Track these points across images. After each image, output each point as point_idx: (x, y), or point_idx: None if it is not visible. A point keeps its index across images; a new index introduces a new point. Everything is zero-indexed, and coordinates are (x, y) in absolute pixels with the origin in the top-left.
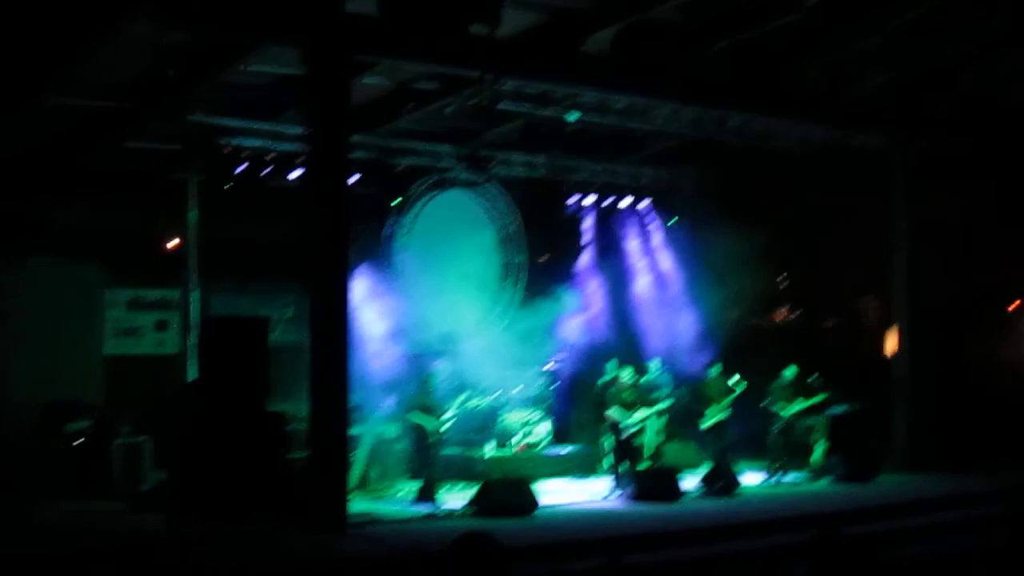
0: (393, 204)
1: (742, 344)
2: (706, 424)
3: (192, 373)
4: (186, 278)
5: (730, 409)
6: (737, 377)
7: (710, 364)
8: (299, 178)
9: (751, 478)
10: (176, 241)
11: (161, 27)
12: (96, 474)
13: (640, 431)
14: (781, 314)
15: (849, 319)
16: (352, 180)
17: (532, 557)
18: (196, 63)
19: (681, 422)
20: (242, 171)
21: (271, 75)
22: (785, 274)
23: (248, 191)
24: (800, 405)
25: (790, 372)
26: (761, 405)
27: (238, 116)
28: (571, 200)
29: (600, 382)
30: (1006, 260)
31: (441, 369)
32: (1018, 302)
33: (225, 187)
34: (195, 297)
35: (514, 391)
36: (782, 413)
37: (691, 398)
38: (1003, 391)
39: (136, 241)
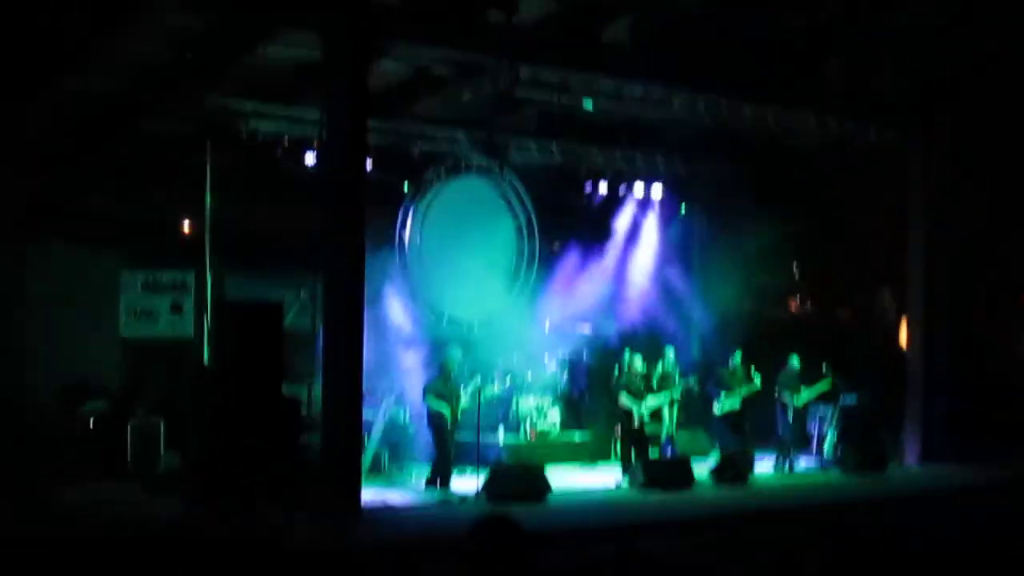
0: (407, 189)
1: (757, 335)
2: (721, 411)
3: (207, 356)
4: (202, 261)
5: (745, 398)
6: (752, 368)
7: (730, 352)
8: (315, 162)
9: (762, 467)
10: (191, 225)
11: (180, 11)
12: (112, 455)
13: (651, 419)
14: (795, 305)
15: (864, 311)
16: (368, 165)
17: (545, 543)
18: (214, 47)
19: (691, 410)
20: (259, 155)
21: (289, 59)
22: (800, 265)
23: (265, 175)
24: (809, 394)
25: (795, 360)
26: (774, 395)
27: (256, 100)
28: (587, 188)
29: (616, 370)
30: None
31: (456, 355)
32: None
33: (241, 171)
34: (210, 280)
35: (527, 377)
36: (793, 402)
37: (702, 387)
38: (1019, 384)
39: (153, 224)
